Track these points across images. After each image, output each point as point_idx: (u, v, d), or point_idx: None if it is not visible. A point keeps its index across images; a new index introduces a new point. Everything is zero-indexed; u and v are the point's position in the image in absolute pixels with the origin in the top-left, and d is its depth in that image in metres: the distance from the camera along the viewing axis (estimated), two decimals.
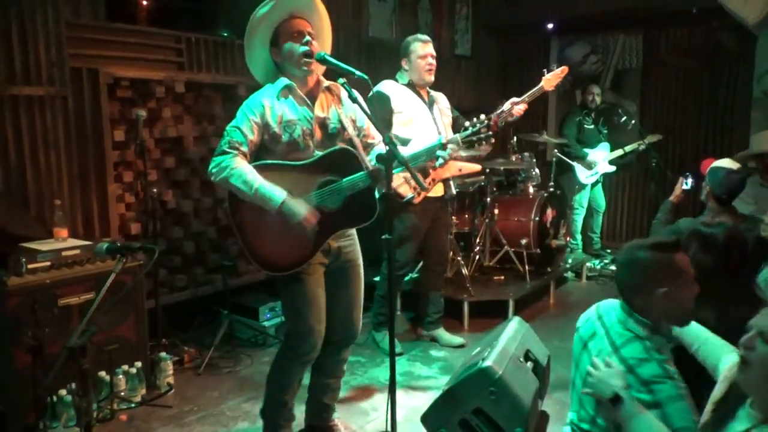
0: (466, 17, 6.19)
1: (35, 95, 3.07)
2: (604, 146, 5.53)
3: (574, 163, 5.41)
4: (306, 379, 2.55)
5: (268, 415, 2.46)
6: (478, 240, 4.46)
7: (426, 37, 3.45)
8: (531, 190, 4.74)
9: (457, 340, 3.72)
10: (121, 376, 2.88)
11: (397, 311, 4.00)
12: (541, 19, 6.18)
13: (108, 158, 3.33)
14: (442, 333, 3.76)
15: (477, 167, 3.62)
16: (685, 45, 5.71)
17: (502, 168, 4.74)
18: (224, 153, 2.18)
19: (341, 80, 2.19)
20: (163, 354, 3.11)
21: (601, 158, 5.48)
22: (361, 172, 2.23)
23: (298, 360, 2.37)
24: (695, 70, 5.62)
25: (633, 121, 5.36)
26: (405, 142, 3.14)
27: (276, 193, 2.16)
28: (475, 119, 2.39)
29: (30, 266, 2.67)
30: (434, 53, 3.43)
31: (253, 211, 2.23)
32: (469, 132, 2.40)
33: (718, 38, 5.45)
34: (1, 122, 2.98)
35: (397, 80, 2.56)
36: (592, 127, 5.56)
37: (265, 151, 2.26)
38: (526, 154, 4.83)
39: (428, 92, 3.50)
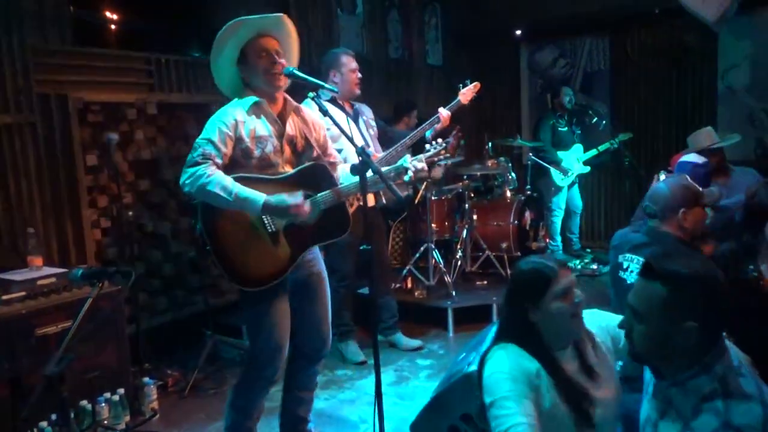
0: (435, 27, 6.26)
1: (2, 123, 3.02)
2: (578, 147, 5.61)
3: (550, 167, 5.48)
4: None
5: None
6: (458, 246, 4.48)
7: (352, 51, 3.48)
8: (508, 194, 4.79)
9: (415, 342, 3.78)
10: (103, 404, 2.82)
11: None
12: (509, 26, 6.28)
13: (81, 183, 3.29)
14: (399, 337, 3.80)
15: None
16: (650, 45, 5.84)
17: (478, 174, 4.79)
18: (198, 163, 2.13)
19: (311, 94, 2.21)
20: (145, 379, 3.06)
21: (575, 160, 5.56)
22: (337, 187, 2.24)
23: (262, 381, 2.35)
24: (662, 69, 5.74)
25: (604, 122, 5.45)
26: None
27: (256, 195, 2.14)
28: (434, 141, 2.43)
29: (4, 297, 2.62)
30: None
31: (227, 226, 2.20)
32: (430, 153, 2.40)
33: (682, 37, 5.59)
34: None
35: (319, 95, 2.55)
36: (566, 129, 5.63)
37: (236, 165, 2.23)
38: (502, 158, 4.89)
39: (352, 105, 3.51)
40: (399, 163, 2.32)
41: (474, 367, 2.24)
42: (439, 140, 2.44)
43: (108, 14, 3.87)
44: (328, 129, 3.27)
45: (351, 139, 2.23)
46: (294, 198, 2.17)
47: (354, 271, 3.61)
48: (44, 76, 3.18)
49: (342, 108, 3.40)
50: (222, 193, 2.10)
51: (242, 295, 2.32)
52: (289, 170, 2.31)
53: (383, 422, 2.17)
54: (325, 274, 2.50)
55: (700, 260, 1.40)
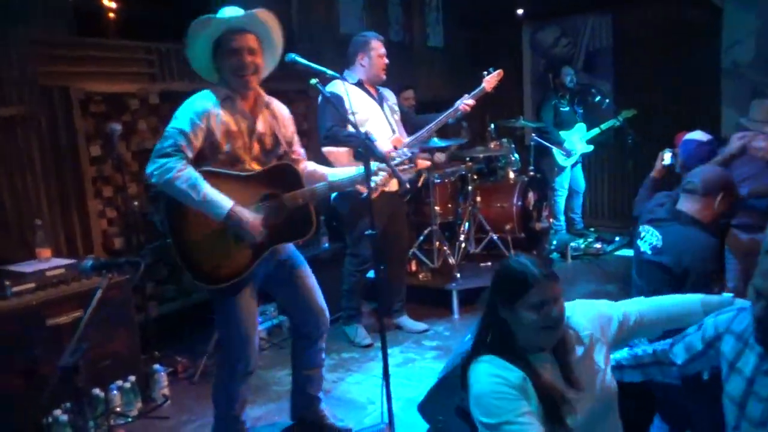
0: (436, 9, 6.21)
1: (6, 115, 3.03)
2: (581, 127, 5.59)
3: (553, 147, 5.47)
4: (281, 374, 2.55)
5: None
6: (462, 228, 4.50)
7: (383, 37, 3.48)
8: (511, 175, 4.78)
9: (421, 325, 3.82)
10: (115, 392, 2.87)
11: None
12: (511, 6, 6.22)
13: (86, 174, 3.31)
14: (405, 320, 3.84)
15: (427, 163, 3.78)
16: (653, 22, 5.78)
17: (481, 156, 4.77)
18: (168, 155, 2.09)
19: (314, 80, 2.20)
20: (156, 366, 3.10)
21: (578, 140, 5.54)
22: (306, 188, 2.27)
23: (236, 374, 2.38)
24: (665, 46, 5.69)
25: (607, 100, 5.42)
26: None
27: (223, 200, 2.11)
28: (400, 150, 2.53)
29: (15, 289, 2.65)
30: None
31: (192, 220, 2.18)
32: (396, 162, 2.41)
33: (685, 13, 5.53)
34: None
35: (345, 79, 2.53)
36: (567, 109, 5.61)
37: (203, 158, 2.20)
38: (505, 140, 4.87)
39: (377, 90, 3.52)
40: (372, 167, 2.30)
41: None
42: (405, 149, 2.47)
43: (107, 3, 3.85)
44: (353, 113, 3.26)
45: (355, 126, 2.23)
46: (256, 215, 2.18)
47: (373, 255, 3.63)
48: (46, 68, 3.19)
49: (368, 92, 3.43)
50: (190, 192, 2.06)
51: (209, 292, 2.33)
52: (256, 167, 2.30)
53: (391, 402, 2.22)
54: (295, 258, 2.49)
55: None
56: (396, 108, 3.63)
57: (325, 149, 3.34)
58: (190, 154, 2.13)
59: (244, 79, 2.21)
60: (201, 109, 2.17)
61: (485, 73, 3.64)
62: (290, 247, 2.49)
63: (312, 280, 2.51)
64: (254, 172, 2.28)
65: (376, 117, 3.40)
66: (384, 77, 3.46)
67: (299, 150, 2.51)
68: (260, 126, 2.31)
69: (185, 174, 2.07)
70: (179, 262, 2.22)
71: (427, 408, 2.40)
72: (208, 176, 2.14)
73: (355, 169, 2.39)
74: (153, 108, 3.64)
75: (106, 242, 3.48)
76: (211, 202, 2.09)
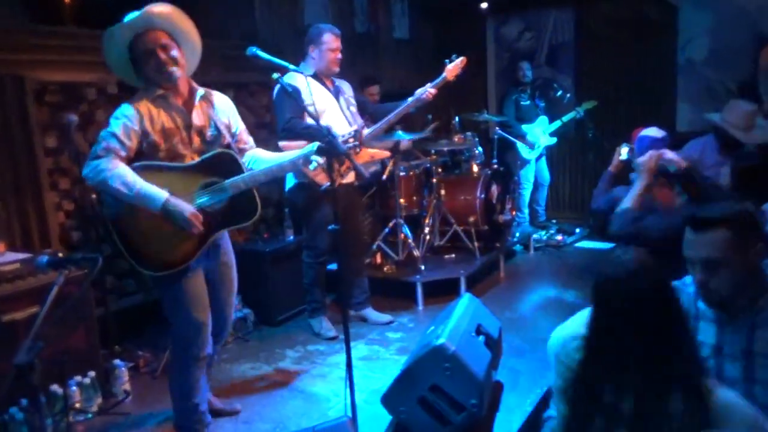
0: (401, 0, 6.20)
1: None
2: (543, 120, 5.70)
3: (516, 141, 5.56)
4: None
5: (183, 425, 2.50)
6: (427, 221, 4.54)
7: (338, 31, 3.45)
8: (475, 168, 4.84)
9: (385, 317, 3.85)
10: (75, 388, 2.82)
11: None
12: None
13: (41, 166, 3.22)
14: (370, 312, 3.86)
15: (386, 153, 3.74)
16: (614, 18, 5.90)
17: (446, 149, 4.82)
18: (99, 156, 2.17)
19: (275, 74, 2.20)
20: (116, 361, 3.06)
21: (541, 133, 5.64)
22: (245, 174, 2.32)
23: (192, 360, 2.42)
24: (625, 42, 5.82)
25: (568, 95, 5.53)
26: None
27: (157, 193, 2.18)
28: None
29: None
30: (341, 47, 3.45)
31: (134, 212, 2.23)
32: (345, 138, 2.55)
33: (644, 10, 5.67)
34: None
35: (301, 72, 2.55)
36: (528, 103, 5.71)
37: (142, 158, 2.26)
38: (469, 133, 4.93)
39: (333, 81, 3.51)
40: (308, 150, 2.35)
41: (443, 340, 2.32)
42: (353, 128, 2.58)
43: None
44: (310, 104, 3.25)
45: (315, 118, 2.24)
46: (190, 207, 2.23)
47: (330, 248, 3.64)
48: None
49: (324, 84, 3.41)
50: (122, 189, 2.14)
51: (154, 281, 2.37)
52: (196, 160, 2.35)
53: (354, 395, 2.24)
54: (233, 262, 2.60)
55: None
56: (352, 100, 3.61)
57: (282, 143, 3.31)
58: (123, 154, 2.19)
59: (166, 74, 2.23)
60: (132, 112, 2.22)
61: (447, 61, 3.61)
62: (232, 252, 2.59)
63: (233, 294, 2.63)
64: (192, 162, 2.33)
65: (331, 109, 3.40)
66: (336, 70, 3.43)
67: (246, 138, 2.55)
68: (196, 119, 2.36)
69: (116, 172, 2.14)
70: (122, 251, 2.25)
71: (390, 400, 2.42)
72: (145, 170, 2.20)
73: (296, 152, 2.43)
74: (111, 98, 3.55)
75: (64, 236, 3.39)
76: (145, 196, 2.17)
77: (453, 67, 3.56)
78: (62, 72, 3.32)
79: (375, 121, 3.62)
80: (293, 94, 2.82)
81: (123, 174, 2.15)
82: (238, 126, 2.53)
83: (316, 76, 3.37)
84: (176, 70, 2.24)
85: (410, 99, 3.55)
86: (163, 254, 2.28)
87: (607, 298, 1.33)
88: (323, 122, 3.26)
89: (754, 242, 1.53)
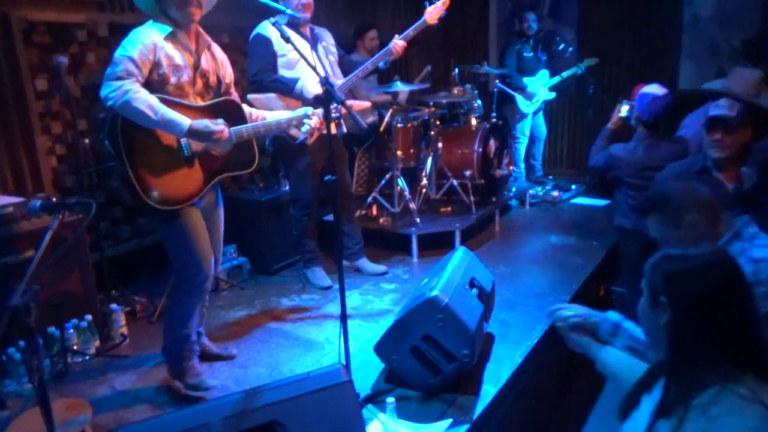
0: None
1: None
2: (544, 73, 5.61)
3: (516, 94, 5.48)
4: None
5: (172, 351, 2.55)
6: (423, 174, 4.53)
7: None
8: (474, 122, 4.79)
9: (380, 268, 3.86)
10: (72, 330, 2.85)
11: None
12: None
13: (32, 109, 3.15)
14: (365, 263, 3.87)
15: (367, 104, 3.61)
16: None
17: (444, 101, 4.75)
18: (121, 78, 2.14)
19: (272, 19, 2.15)
20: (113, 305, 3.09)
21: (541, 86, 5.57)
22: (260, 122, 2.42)
23: (196, 290, 2.47)
24: None
25: (570, 48, 5.43)
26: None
27: (181, 117, 2.21)
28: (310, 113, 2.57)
29: None
30: None
31: (144, 144, 2.25)
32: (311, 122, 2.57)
33: None
34: None
35: (277, 20, 2.47)
36: (531, 55, 5.60)
37: (150, 90, 2.23)
38: (468, 86, 4.85)
39: (311, 29, 3.39)
40: (301, 112, 2.50)
41: (437, 292, 2.35)
42: (312, 110, 2.57)
43: None
44: (283, 55, 3.19)
45: (314, 68, 2.19)
46: (217, 125, 2.28)
47: (316, 199, 3.63)
48: None
49: (299, 32, 3.29)
50: (148, 112, 2.13)
51: (156, 215, 2.36)
52: (200, 102, 2.40)
53: (348, 343, 2.29)
54: (221, 208, 2.65)
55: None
56: (333, 49, 3.50)
57: (251, 96, 3.25)
58: (140, 80, 2.19)
59: (189, 11, 2.24)
60: (148, 41, 2.21)
61: (427, 3, 3.39)
62: (220, 197, 2.65)
63: (219, 235, 2.67)
64: (203, 104, 2.38)
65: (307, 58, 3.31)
66: (305, 16, 3.25)
67: (235, 94, 2.63)
68: (204, 63, 2.40)
69: (141, 95, 2.14)
70: (132, 183, 2.23)
71: (383, 348, 2.48)
72: (162, 102, 2.21)
73: (299, 111, 2.56)
74: (102, 40, 3.46)
75: (57, 180, 3.36)
76: (171, 120, 2.18)
77: (433, 10, 3.36)
78: (50, 11, 3.21)
79: (345, 75, 3.49)
80: (259, 44, 2.97)
81: (148, 98, 2.14)
82: (231, 81, 2.60)
83: (290, 24, 3.23)
84: (197, 12, 2.27)
85: (380, 52, 3.40)
86: (168, 189, 2.31)
87: (683, 290, 1.29)
88: (298, 72, 3.23)
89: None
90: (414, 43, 3.50)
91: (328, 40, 3.50)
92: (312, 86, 3.17)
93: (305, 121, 2.57)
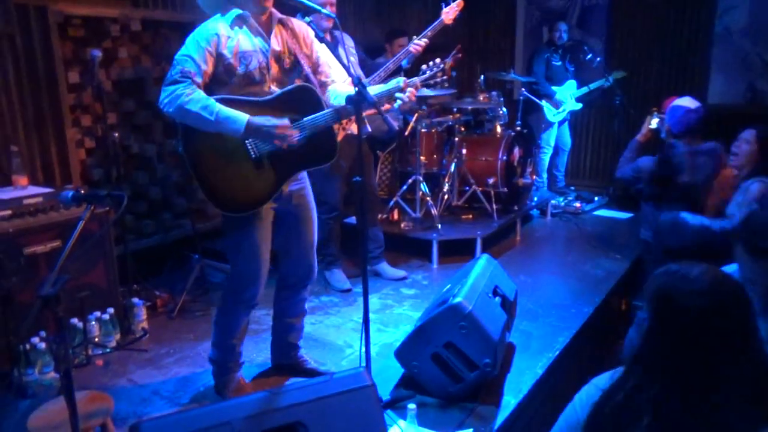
0: None
1: None
2: (571, 84, 5.56)
3: (543, 101, 5.44)
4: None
5: (217, 359, 2.51)
6: (446, 180, 4.50)
7: None
8: (498, 129, 4.76)
9: (399, 272, 3.84)
10: (94, 323, 2.88)
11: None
12: None
13: (64, 101, 3.20)
14: (385, 267, 3.85)
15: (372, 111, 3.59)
16: None
17: (469, 108, 4.73)
18: (177, 82, 2.05)
19: (307, 18, 2.14)
20: (135, 299, 3.11)
21: (568, 96, 5.52)
22: (327, 110, 2.17)
23: (242, 305, 2.40)
24: (660, 6, 5.61)
25: (598, 59, 5.37)
26: None
27: (239, 114, 2.07)
28: (431, 62, 2.29)
29: None
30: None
31: (208, 150, 2.16)
32: (427, 75, 2.27)
33: None
34: None
35: (313, 20, 2.42)
36: (559, 64, 5.56)
37: (218, 84, 2.16)
38: (494, 92, 4.82)
39: (331, 33, 3.31)
40: (393, 84, 2.19)
41: (460, 299, 2.33)
42: (437, 60, 2.27)
43: None
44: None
45: (347, 68, 2.16)
46: (280, 120, 2.10)
47: (342, 202, 3.63)
48: None
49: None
50: (203, 113, 2.03)
51: (224, 219, 2.32)
52: (276, 89, 2.22)
53: (369, 347, 2.27)
54: (313, 204, 2.49)
55: None
56: (353, 51, 3.51)
57: None
58: (199, 80, 2.08)
59: (263, 5, 2.14)
60: (209, 34, 2.11)
61: (444, 4, 3.46)
62: (311, 194, 2.46)
63: (313, 236, 2.49)
64: (270, 96, 2.19)
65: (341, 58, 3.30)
66: (326, 25, 3.12)
67: (327, 71, 2.35)
68: (275, 44, 2.22)
69: (195, 97, 2.04)
70: (202, 190, 2.19)
71: (403, 353, 2.46)
72: (222, 103, 2.09)
73: (380, 86, 2.25)
74: (134, 35, 3.50)
75: (85, 172, 3.40)
76: (227, 119, 2.05)
77: (449, 10, 3.47)
78: (86, 5, 3.25)
79: (367, 77, 3.52)
80: None
81: (202, 98, 2.04)
82: (320, 56, 2.34)
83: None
84: (270, 2, 2.16)
85: (399, 53, 3.48)
86: (235, 195, 2.21)
87: (666, 306, 1.23)
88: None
89: None
90: (437, 50, 3.51)
91: (348, 43, 3.51)
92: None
93: (397, 95, 2.19)
